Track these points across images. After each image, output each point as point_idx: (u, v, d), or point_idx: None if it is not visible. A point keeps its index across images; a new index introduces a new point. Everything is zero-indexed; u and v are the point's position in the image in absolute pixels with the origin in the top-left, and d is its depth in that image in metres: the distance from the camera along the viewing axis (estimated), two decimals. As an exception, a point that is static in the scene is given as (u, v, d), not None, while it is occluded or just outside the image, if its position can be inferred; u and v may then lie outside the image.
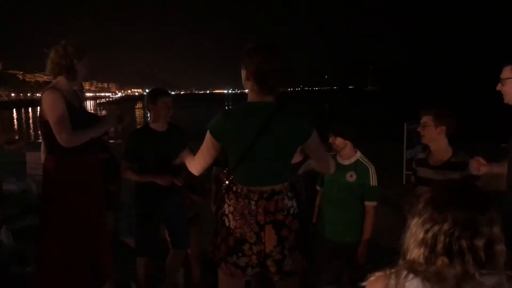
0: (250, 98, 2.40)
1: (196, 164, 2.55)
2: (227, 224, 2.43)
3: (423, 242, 1.25)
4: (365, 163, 3.33)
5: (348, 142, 3.32)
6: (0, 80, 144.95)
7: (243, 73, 2.39)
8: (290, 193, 2.47)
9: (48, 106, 2.98)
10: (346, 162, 3.34)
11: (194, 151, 2.64)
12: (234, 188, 2.42)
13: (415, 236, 1.28)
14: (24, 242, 4.87)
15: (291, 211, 2.43)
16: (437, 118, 3.05)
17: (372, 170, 3.31)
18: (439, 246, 1.22)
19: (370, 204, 3.32)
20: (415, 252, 1.27)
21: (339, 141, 3.30)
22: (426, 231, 1.25)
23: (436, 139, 3.08)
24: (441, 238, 1.22)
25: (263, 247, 2.37)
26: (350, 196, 3.32)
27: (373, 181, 3.30)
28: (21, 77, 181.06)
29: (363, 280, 1.39)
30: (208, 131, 2.41)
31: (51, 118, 2.97)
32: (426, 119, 3.10)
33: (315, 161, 2.62)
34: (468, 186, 1.32)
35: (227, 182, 2.47)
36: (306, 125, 2.42)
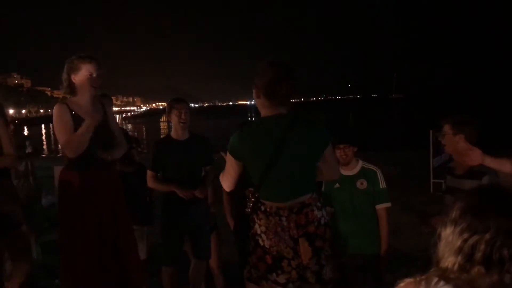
0: (263, 114, 2.43)
1: (225, 182, 2.62)
2: (261, 244, 2.42)
3: (459, 251, 1.21)
4: (370, 167, 3.35)
5: (355, 150, 3.31)
6: (29, 97, 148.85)
7: (254, 92, 2.43)
8: (319, 203, 2.46)
9: (53, 119, 3.08)
10: (352, 173, 3.33)
11: (219, 164, 2.67)
12: (263, 208, 2.42)
13: (450, 245, 1.23)
14: (53, 255, 4.96)
15: (322, 221, 2.43)
16: (455, 126, 2.92)
17: (379, 173, 3.32)
18: (478, 255, 1.18)
19: (382, 207, 3.31)
20: (449, 261, 1.23)
21: (351, 151, 3.28)
22: (465, 240, 1.20)
23: (456, 147, 2.92)
24: (482, 247, 1.17)
25: (301, 261, 2.36)
26: (366, 204, 3.31)
27: (382, 183, 3.31)
28: (49, 93, 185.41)
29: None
30: (228, 151, 2.46)
31: (54, 129, 3.07)
32: (444, 128, 2.97)
33: (325, 170, 2.55)
34: (506, 191, 1.27)
35: (253, 200, 2.46)
36: (324, 133, 2.44)
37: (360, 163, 3.35)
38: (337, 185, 3.36)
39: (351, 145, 3.29)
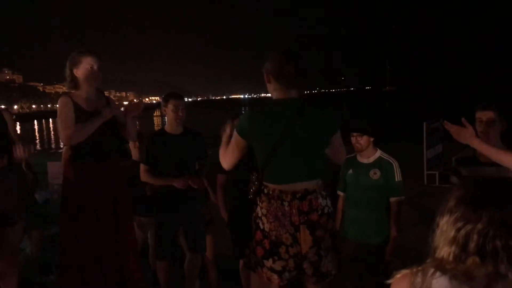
0: (275, 97, 2.43)
1: (226, 159, 2.55)
2: (261, 227, 2.40)
3: (454, 241, 1.21)
4: (388, 159, 3.31)
5: (372, 140, 3.29)
6: (21, 93, 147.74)
7: (265, 77, 2.44)
8: (324, 192, 2.44)
9: (58, 110, 3.12)
10: (368, 161, 3.32)
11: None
12: (265, 190, 2.40)
13: (445, 235, 1.24)
14: (47, 250, 4.94)
15: (326, 210, 2.40)
16: (502, 114, 2.82)
17: (396, 165, 3.28)
18: (472, 245, 1.18)
19: (396, 200, 3.28)
20: (444, 250, 1.23)
21: (364, 140, 3.27)
22: (458, 230, 1.20)
23: (497, 135, 2.83)
24: (474, 237, 1.18)
25: (299, 249, 2.34)
26: (376, 194, 3.29)
27: (398, 176, 3.27)
28: (41, 89, 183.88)
29: (387, 280, 1.37)
30: (235, 130, 2.44)
31: (58, 121, 3.09)
32: (490, 115, 2.82)
33: (331, 155, 2.53)
34: (503, 182, 1.27)
35: (256, 183, 2.45)
36: (333, 118, 2.44)
37: (379, 153, 3.33)
38: (350, 171, 3.37)
39: (364, 134, 3.27)
